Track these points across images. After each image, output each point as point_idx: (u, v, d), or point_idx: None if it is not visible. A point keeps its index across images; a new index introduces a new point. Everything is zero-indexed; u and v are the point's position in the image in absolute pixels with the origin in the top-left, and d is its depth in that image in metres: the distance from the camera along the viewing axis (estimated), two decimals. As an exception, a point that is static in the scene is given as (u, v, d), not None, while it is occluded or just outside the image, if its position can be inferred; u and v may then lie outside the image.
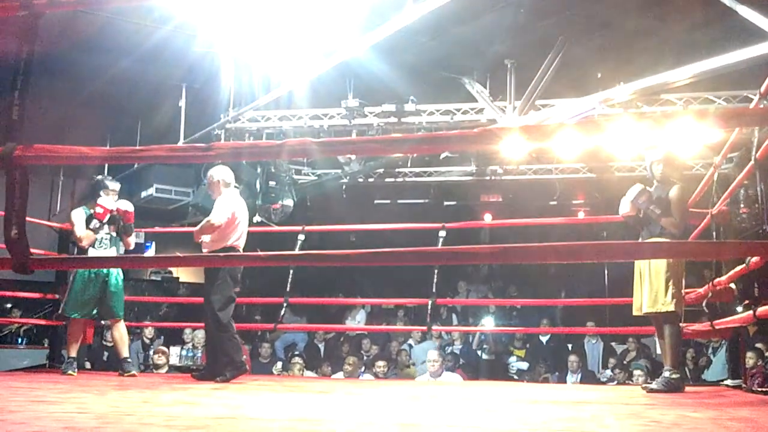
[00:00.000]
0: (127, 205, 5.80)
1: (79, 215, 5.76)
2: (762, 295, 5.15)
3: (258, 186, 9.09)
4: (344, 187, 10.15)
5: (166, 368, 7.89)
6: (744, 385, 5.31)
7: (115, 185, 5.88)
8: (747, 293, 5.36)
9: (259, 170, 9.15)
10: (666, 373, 4.70)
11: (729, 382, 5.68)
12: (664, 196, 4.82)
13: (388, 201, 10.72)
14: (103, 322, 6.20)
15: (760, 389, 4.80)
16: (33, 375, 5.70)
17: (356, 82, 8.18)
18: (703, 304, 5.19)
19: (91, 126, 8.73)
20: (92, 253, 5.63)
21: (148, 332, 9.36)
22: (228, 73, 8.14)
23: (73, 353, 5.73)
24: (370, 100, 8.33)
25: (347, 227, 7.83)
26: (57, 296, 7.10)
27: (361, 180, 10.00)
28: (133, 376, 5.62)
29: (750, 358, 6.85)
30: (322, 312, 11.10)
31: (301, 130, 8.68)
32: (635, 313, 4.95)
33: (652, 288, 4.75)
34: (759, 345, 7.59)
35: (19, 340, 10.82)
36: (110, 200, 5.77)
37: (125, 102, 8.82)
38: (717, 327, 5.10)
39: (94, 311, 5.74)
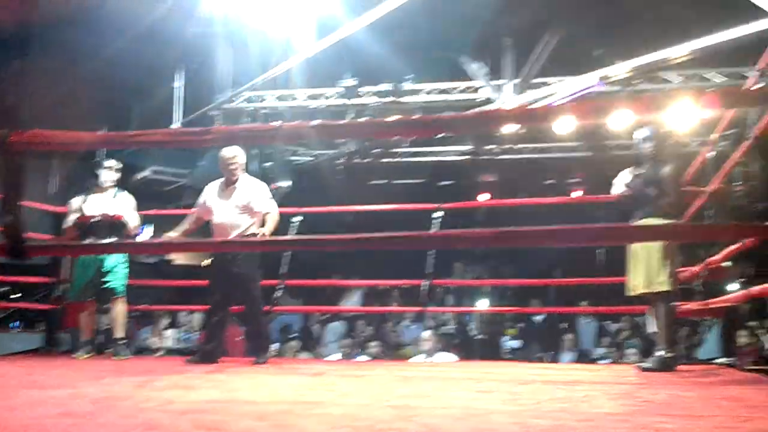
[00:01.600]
0: (117, 207, 5.78)
1: (75, 204, 5.77)
2: (756, 274, 5.17)
3: (255, 167, 9.05)
4: (340, 167, 10.13)
5: (162, 351, 7.91)
6: (737, 363, 5.35)
7: (110, 162, 5.88)
8: (740, 272, 5.37)
9: (255, 151, 9.11)
10: (660, 352, 4.72)
11: (722, 360, 5.71)
12: (656, 176, 4.81)
13: (385, 181, 10.68)
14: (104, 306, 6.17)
15: (752, 368, 4.83)
16: (28, 359, 5.70)
17: (353, 62, 8.12)
18: (697, 282, 5.21)
19: (86, 106, 8.65)
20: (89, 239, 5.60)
21: (165, 321, 9.30)
22: (224, 53, 8.09)
23: (85, 336, 5.73)
24: (367, 80, 8.28)
25: (343, 208, 7.80)
26: (53, 280, 7.08)
27: (357, 160, 9.97)
28: (126, 359, 5.57)
29: (742, 337, 6.88)
30: (318, 293, 11.09)
31: (297, 110, 8.64)
32: (629, 292, 4.96)
33: (646, 268, 4.76)
34: (752, 323, 7.62)
35: (14, 324, 10.80)
36: (109, 177, 5.80)
37: (120, 82, 8.73)
38: (710, 306, 5.12)
39: (94, 294, 5.73)
